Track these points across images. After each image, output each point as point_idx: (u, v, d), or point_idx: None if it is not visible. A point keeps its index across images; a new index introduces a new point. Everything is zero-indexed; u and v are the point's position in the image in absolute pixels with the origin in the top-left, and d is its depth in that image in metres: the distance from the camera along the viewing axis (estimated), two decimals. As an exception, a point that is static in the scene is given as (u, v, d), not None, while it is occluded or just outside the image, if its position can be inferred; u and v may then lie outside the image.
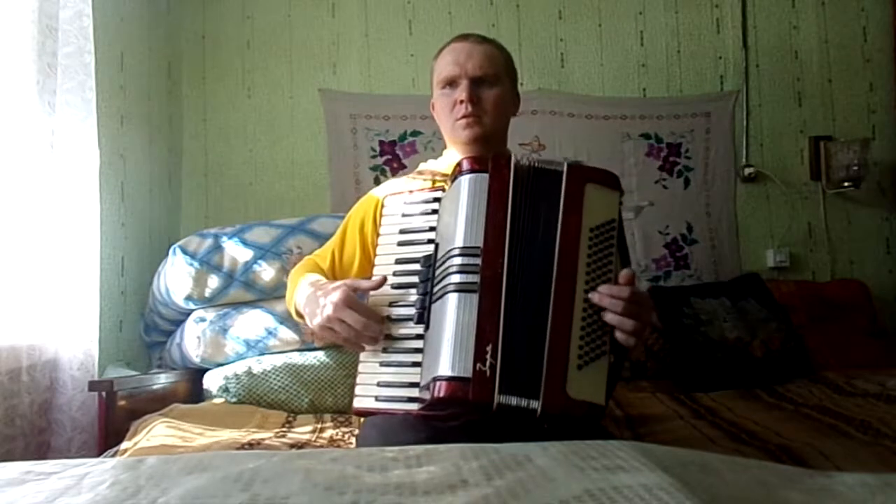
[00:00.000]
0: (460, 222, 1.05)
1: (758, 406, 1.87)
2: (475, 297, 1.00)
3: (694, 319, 2.27)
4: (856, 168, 2.67)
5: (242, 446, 1.40)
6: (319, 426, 1.68)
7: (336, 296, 1.11)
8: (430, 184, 1.33)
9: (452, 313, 1.00)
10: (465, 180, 1.08)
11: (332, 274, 1.36)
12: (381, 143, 2.72)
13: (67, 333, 1.63)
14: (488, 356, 0.97)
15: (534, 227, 1.06)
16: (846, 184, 2.71)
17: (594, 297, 1.03)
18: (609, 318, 1.03)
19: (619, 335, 1.04)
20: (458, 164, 1.11)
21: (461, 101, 1.31)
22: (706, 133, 2.82)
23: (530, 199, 1.07)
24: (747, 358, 2.21)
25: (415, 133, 2.72)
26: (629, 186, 2.69)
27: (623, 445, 0.68)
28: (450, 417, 1.08)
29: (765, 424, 1.60)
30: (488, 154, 1.14)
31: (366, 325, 1.09)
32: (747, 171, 2.79)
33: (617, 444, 0.69)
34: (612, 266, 1.07)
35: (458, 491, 0.57)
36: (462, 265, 1.02)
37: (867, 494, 0.59)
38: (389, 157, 2.72)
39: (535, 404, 0.99)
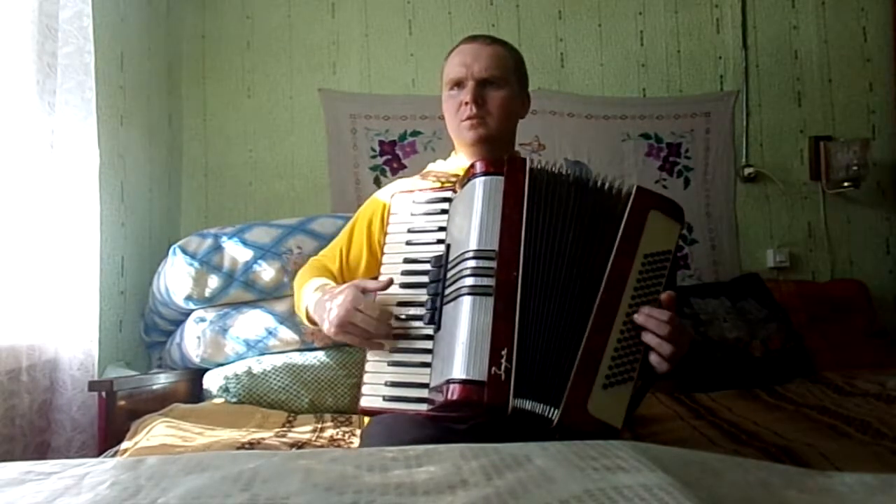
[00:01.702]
0: (474, 225, 1.04)
1: (758, 406, 1.87)
2: (490, 301, 0.99)
3: (694, 319, 2.26)
4: (855, 168, 2.67)
5: (242, 446, 1.40)
6: (319, 426, 1.68)
7: (343, 299, 1.10)
8: (438, 185, 1.32)
9: (466, 316, 0.99)
10: (479, 182, 1.07)
11: (341, 274, 1.36)
12: (381, 143, 2.72)
13: (67, 333, 1.63)
14: (503, 360, 0.97)
15: (563, 234, 1.04)
16: (846, 184, 2.71)
17: (639, 318, 1.03)
18: (649, 338, 1.03)
19: (653, 358, 1.04)
20: (472, 166, 1.10)
21: (466, 103, 1.31)
22: (706, 133, 2.82)
23: (559, 206, 1.06)
24: (747, 358, 2.21)
25: (415, 133, 2.71)
26: (629, 186, 2.69)
27: (623, 445, 0.68)
28: (458, 419, 1.08)
29: (765, 424, 1.60)
30: (502, 156, 1.13)
31: (377, 326, 1.09)
32: (747, 171, 2.79)
33: (617, 444, 0.69)
34: (657, 296, 1.06)
35: (458, 491, 0.57)
36: (476, 268, 1.01)
37: (867, 494, 0.59)
38: (389, 157, 2.72)
39: (554, 413, 0.98)
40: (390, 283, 1.13)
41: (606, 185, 1.10)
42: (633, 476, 0.58)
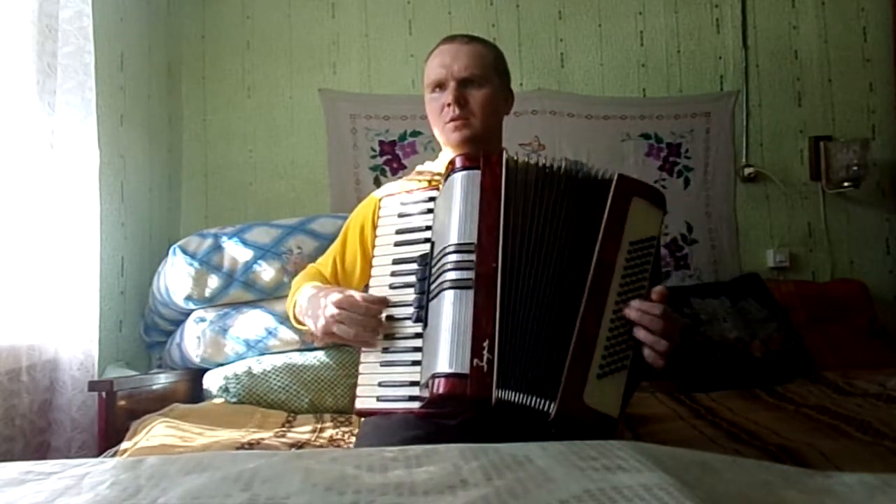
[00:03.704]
0: (454, 219, 1.05)
1: (758, 406, 1.87)
2: (471, 293, 1.00)
3: (694, 319, 2.27)
4: (855, 168, 2.66)
5: (242, 446, 1.40)
6: (319, 426, 1.68)
7: (334, 298, 1.12)
8: (425, 184, 1.33)
9: (449, 310, 1.00)
10: (457, 178, 1.08)
11: (335, 281, 1.36)
12: (381, 143, 2.72)
13: (67, 333, 1.63)
14: (485, 351, 0.97)
15: (547, 224, 1.05)
16: (846, 184, 2.71)
17: (630, 313, 1.02)
18: (641, 335, 1.02)
19: (647, 352, 1.03)
20: (451, 162, 1.11)
21: (448, 104, 1.30)
22: (706, 133, 2.82)
23: (541, 196, 1.06)
24: (747, 358, 2.21)
25: (415, 133, 2.72)
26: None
27: (623, 445, 0.68)
28: (449, 415, 1.08)
29: (765, 424, 1.60)
30: (480, 152, 1.14)
31: (364, 324, 1.09)
32: (747, 171, 2.79)
33: (617, 444, 0.69)
34: (645, 283, 1.06)
35: (457, 491, 0.57)
36: (457, 262, 1.02)
37: (867, 494, 0.59)
38: (389, 157, 2.72)
39: (551, 406, 0.98)
40: (384, 300, 1.13)
41: (592, 174, 1.10)
42: (633, 476, 0.58)
